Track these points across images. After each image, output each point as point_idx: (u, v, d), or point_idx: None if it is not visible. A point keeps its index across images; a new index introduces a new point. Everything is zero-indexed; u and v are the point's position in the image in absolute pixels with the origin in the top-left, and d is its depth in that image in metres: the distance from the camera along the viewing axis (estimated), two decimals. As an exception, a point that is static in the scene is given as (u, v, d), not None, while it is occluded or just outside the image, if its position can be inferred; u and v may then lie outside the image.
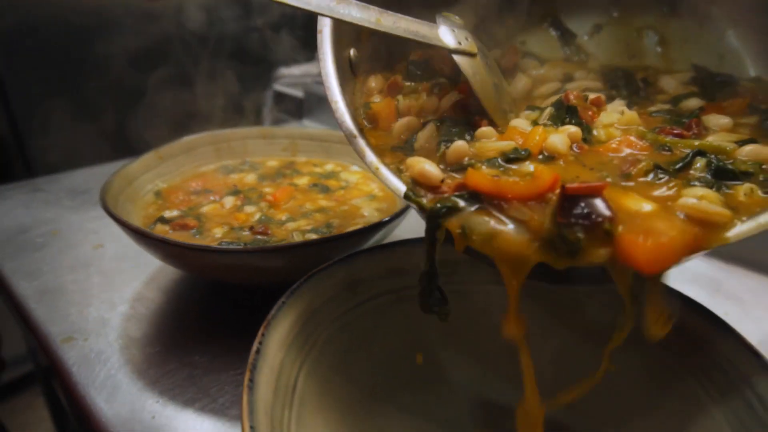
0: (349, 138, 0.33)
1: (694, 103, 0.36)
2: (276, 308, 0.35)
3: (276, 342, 0.33)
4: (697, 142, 0.30)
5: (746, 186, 0.26)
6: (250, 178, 0.65)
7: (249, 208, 0.57)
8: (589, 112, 0.35)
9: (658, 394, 0.36)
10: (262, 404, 0.29)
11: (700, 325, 0.34)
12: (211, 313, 0.52)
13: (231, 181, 0.64)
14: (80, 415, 0.42)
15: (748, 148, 0.28)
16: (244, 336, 0.48)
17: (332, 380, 0.37)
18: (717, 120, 0.33)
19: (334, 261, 0.40)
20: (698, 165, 0.28)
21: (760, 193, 0.26)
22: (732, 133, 0.32)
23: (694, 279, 0.61)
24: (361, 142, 0.33)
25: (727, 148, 0.29)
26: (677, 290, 0.35)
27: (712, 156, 0.28)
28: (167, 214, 0.56)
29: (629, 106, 0.37)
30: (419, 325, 0.39)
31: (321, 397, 0.35)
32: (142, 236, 0.45)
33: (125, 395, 0.42)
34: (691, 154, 0.29)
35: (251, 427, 0.26)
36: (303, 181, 0.64)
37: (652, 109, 0.37)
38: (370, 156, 0.32)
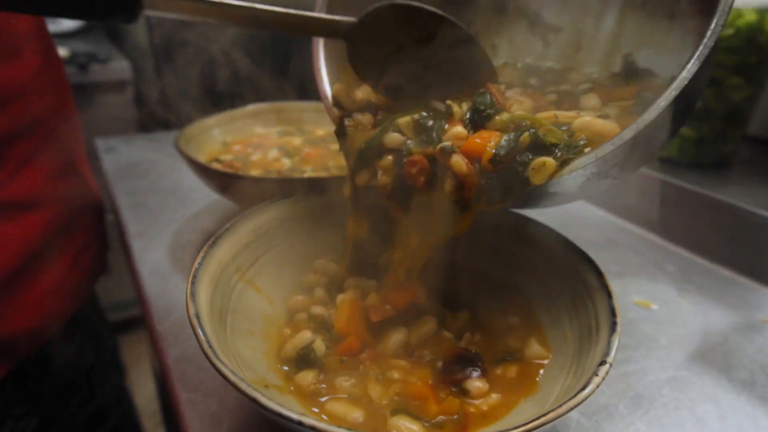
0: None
1: (583, 87, 0.44)
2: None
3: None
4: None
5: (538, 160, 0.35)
6: (297, 141, 0.80)
7: (285, 161, 0.72)
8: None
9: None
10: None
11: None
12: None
13: (281, 141, 0.79)
14: (135, 281, 0.59)
15: (579, 121, 0.36)
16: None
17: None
18: (589, 101, 0.41)
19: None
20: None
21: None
22: (593, 111, 0.40)
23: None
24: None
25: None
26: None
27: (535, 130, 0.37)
28: (223, 157, 0.73)
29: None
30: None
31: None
32: (191, 162, 0.61)
33: (163, 274, 0.59)
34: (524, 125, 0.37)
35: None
36: (337, 146, 0.78)
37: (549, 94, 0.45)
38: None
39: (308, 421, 0.28)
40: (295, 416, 0.28)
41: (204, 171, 0.61)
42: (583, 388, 0.31)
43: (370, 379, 0.37)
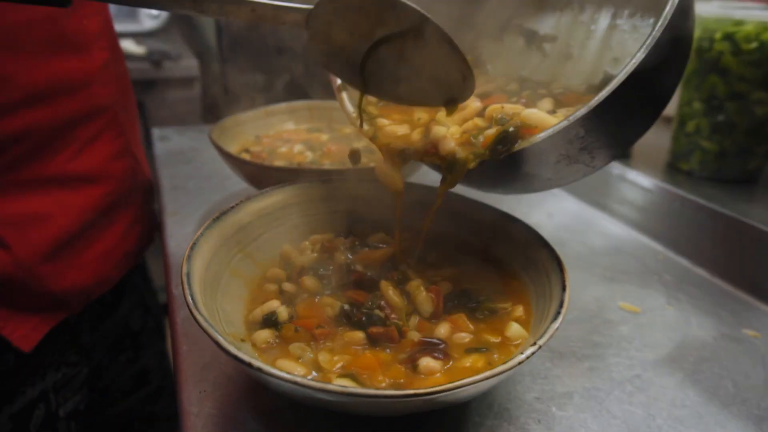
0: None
1: (556, 92, 0.47)
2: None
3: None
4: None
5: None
6: (324, 137, 0.86)
7: (308, 154, 0.79)
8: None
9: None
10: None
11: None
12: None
13: (309, 137, 0.86)
14: (164, 258, 0.67)
15: (526, 111, 0.40)
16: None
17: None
18: (543, 104, 0.44)
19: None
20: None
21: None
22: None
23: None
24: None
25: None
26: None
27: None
28: (253, 148, 0.80)
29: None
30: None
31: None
32: (219, 150, 0.69)
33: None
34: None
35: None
36: (360, 144, 0.84)
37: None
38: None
39: (257, 363, 0.34)
40: (245, 357, 0.34)
41: (228, 158, 0.68)
42: (504, 364, 0.35)
43: (322, 349, 0.42)
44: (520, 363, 0.35)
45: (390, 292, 0.47)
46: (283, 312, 0.44)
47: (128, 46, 1.99)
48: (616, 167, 0.82)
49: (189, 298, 0.39)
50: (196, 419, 0.42)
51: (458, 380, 0.33)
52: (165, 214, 0.75)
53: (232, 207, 0.52)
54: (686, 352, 0.53)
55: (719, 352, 0.53)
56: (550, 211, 0.83)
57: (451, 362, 0.40)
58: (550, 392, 0.47)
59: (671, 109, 1.03)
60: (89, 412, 0.75)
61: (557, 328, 0.39)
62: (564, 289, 0.43)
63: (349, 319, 0.45)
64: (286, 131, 0.88)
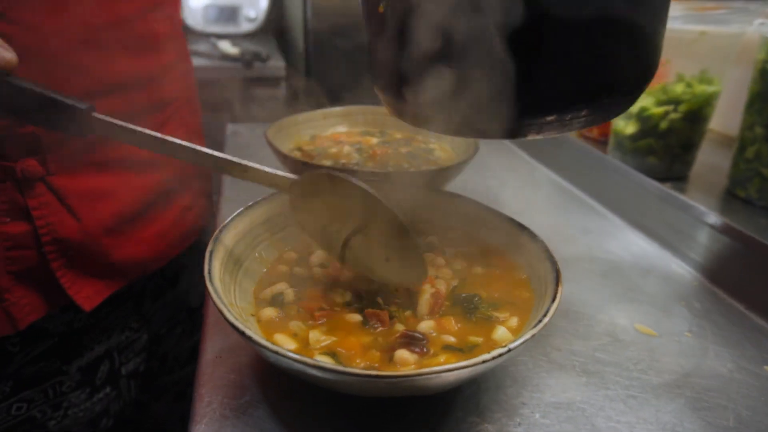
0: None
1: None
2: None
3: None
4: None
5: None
6: (374, 140, 0.91)
7: (355, 156, 0.84)
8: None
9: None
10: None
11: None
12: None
13: (360, 140, 0.91)
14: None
15: None
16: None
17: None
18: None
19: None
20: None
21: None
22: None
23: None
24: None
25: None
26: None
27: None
28: (306, 147, 0.86)
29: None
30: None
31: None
32: (270, 145, 0.75)
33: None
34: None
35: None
36: (405, 149, 0.88)
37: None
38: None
39: (248, 332, 0.39)
40: (240, 326, 0.39)
41: (276, 152, 0.74)
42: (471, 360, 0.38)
43: (315, 328, 0.46)
44: (484, 362, 0.38)
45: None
46: (289, 293, 0.49)
47: (225, 46, 2.15)
48: (664, 188, 0.80)
49: (206, 272, 0.45)
50: (209, 376, 0.48)
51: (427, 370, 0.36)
52: (222, 200, 0.83)
53: (265, 198, 0.58)
54: (695, 380, 0.52)
55: (731, 385, 0.52)
56: (586, 226, 0.82)
57: (426, 358, 0.43)
58: (537, 400, 0.48)
59: (736, 128, 0.97)
60: (148, 375, 0.85)
61: (534, 335, 0.41)
62: (554, 299, 0.44)
63: (358, 303, 0.49)
64: (339, 133, 0.94)
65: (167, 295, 0.86)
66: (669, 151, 0.87)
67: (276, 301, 0.49)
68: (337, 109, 0.95)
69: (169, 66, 0.72)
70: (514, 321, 0.48)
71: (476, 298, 0.50)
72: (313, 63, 2.16)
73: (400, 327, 0.46)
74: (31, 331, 0.65)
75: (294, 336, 0.45)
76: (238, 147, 1.06)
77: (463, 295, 0.51)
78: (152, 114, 0.71)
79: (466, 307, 0.49)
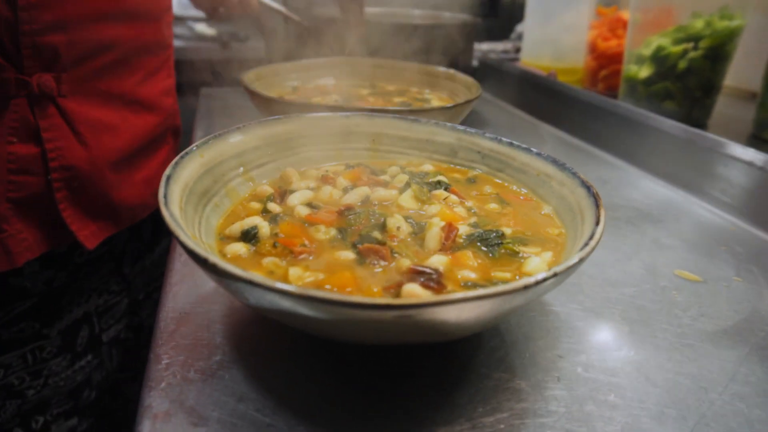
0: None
1: None
2: (274, 118, 0.51)
3: (256, 133, 0.50)
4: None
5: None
6: (364, 92, 0.82)
7: (340, 102, 0.75)
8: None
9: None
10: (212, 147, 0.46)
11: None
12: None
13: (348, 91, 0.82)
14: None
15: None
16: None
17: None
18: None
19: (338, 114, 0.55)
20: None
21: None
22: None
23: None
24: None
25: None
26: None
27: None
28: (288, 96, 0.77)
29: None
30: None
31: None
32: (244, 87, 0.66)
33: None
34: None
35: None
36: (399, 99, 0.79)
37: None
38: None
39: (212, 258, 0.29)
40: (201, 252, 0.29)
41: (255, 97, 0.65)
42: (505, 285, 0.29)
43: (297, 263, 0.37)
44: (526, 287, 0.29)
45: (396, 216, 0.42)
46: (264, 228, 0.40)
47: (201, 28, 2.04)
48: (688, 129, 0.72)
49: (161, 197, 0.35)
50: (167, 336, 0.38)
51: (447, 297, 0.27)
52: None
53: (238, 128, 0.48)
54: (755, 326, 0.44)
55: (798, 331, 0.44)
56: (601, 177, 0.74)
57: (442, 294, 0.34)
58: (576, 351, 0.40)
59: (753, 83, 0.90)
60: (128, 344, 0.81)
61: (583, 259, 0.32)
62: (597, 222, 0.36)
63: (343, 238, 0.40)
64: (325, 85, 0.85)
65: (145, 259, 0.83)
66: (688, 94, 0.79)
67: (247, 235, 0.39)
68: (322, 59, 0.86)
69: (167, 9, 0.73)
70: (547, 255, 0.39)
71: (497, 234, 0.41)
72: (295, 44, 2.05)
73: (405, 263, 0.37)
74: (10, 290, 0.63)
75: (269, 274, 0.36)
76: (212, 108, 0.96)
77: (480, 230, 0.42)
78: (152, 55, 0.71)
79: (487, 242, 0.40)
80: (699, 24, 0.76)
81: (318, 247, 0.39)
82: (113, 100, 0.65)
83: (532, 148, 0.50)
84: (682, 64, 0.77)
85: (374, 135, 0.56)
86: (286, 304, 0.28)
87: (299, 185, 0.49)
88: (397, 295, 0.33)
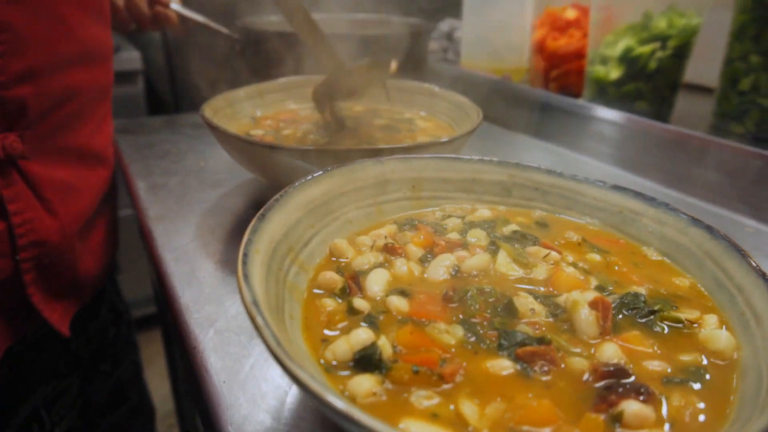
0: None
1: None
2: (307, 177, 0.40)
3: (296, 202, 0.39)
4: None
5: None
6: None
7: (321, 135, 0.64)
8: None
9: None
10: (266, 234, 0.34)
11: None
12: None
13: (317, 117, 0.71)
14: (157, 271, 0.51)
15: None
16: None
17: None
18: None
19: (369, 160, 0.45)
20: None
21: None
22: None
23: None
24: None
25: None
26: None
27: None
28: (253, 131, 0.64)
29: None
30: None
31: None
32: (222, 134, 0.53)
33: (189, 259, 0.51)
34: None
35: (245, 253, 0.32)
36: (380, 121, 0.70)
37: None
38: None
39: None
40: (355, 414, 0.20)
41: (240, 144, 0.52)
42: None
43: (457, 394, 0.28)
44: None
45: (522, 294, 0.34)
46: (386, 346, 0.30)
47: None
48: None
49: (273, 344, 0.24)
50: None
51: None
52: (148, 220, 0.58)
53: (277, 199, 0.37)
54: None
55: None
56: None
57: (663, 406, 0.27)
58: None
59: (706, 77, 0.94)
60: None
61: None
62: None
63: (478, 341, 0.31)
64: (287, 111, 0.73)
65: (90, 327, 0.72)
66: (658, 93, 0.80)
67: (368, 362, 0.29)
68: (277, 82, 0.74)
69: (111, 43, 0.65)
70: (712, 320, 0.33)
71: (639, 298, 0.35)
72: (175, 52, 1.85)
73: (578, 363, 0.30)
74: None
75: (433, 418, 0.26)
76: (138, 147, 0.79)
77: (616, 297, 0.35)
78: (103, 100, 0.64)
79: (636, 312, 0.34)
80: (662, 23, 0.77)
81: (456, 356, 0.30)
82: (71, 156, 0.59)
83: (605, 181, 0.45)
84: (653, 64, 0.77)
85: (413, 180, 0.47)
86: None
87: (362, 262, 0.38)
88: (617, 418, 0.26)
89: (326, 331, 0.32)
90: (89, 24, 0.57)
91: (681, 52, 0.77)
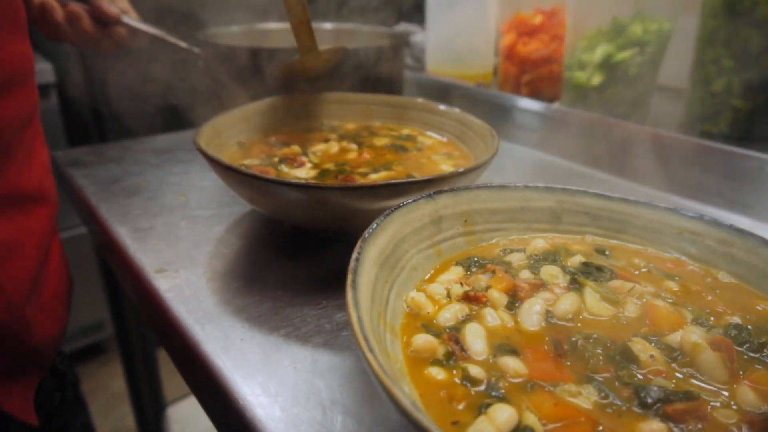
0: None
1: None
2: (372, 227, 0.36)
3: (371, 258, 0.34)
4: None
5: None
6: (333, 137, 0.67)
7: (329, 166, 0.59)
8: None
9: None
10: (363, 302, 0.30)
11: None
12: (291, 256, 0.54)
13: (311, 138, 0.66)
14: (174, 336, 0.44)
15: None
16: (325, 277, 0.50)
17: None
18: None
19: (421, 196, 0.41)
20: None
21: None
22: None
23: None
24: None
25: None
26: None
27: None
28: (248, 161, 0.58)
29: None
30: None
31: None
32: (233, 172, 0.47)
33: (214, 320, 0.44)
34: None
35: (358, 318, 0.27)
36: (382, 141, 0.66)
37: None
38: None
39: None
40: None
41: (250, 181, 0.46)
42: None
43: None
44: None
45: (637, 339, 0.32)
46: (536, 424, 0.27)
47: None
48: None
49: (405, 404, 0.20)
50: None
51: None
52: (150, 278, 0.51)
53: (357, 259, 0.32)
54: None
55: None
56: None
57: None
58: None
59: (675, 79, 0.97)
60: None
61: None
62: None
63: (616, 401, 0.29)
64: (272, 134, 0.67)
65: (53, 398, 0.66)
66: (638, 97, 0.82)
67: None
68: (257, 104, 0.67)
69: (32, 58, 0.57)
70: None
71: (742, 330, 0.34)
72: (94, 61, 1.69)
73: (725, 414, 0.28)
74: None
75: None
76: (102, 183, 0.70)
77: (718, 330, 0.34)
78: (27, 128, 0.56)
79: (746, 346, 0.33)
80: (637, 29, 0.79)
81: (601, 422, 0.28)
82: (2, 207, 0.51)
83: (658, 203, 0.44)
84: (634, 70, 0.79)
85: (464, 215, 0.44)
86: None
87: (446, 317, 0.35)
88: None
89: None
90: (8, 40, 0.49)
91: (656, 57, 0.80)
